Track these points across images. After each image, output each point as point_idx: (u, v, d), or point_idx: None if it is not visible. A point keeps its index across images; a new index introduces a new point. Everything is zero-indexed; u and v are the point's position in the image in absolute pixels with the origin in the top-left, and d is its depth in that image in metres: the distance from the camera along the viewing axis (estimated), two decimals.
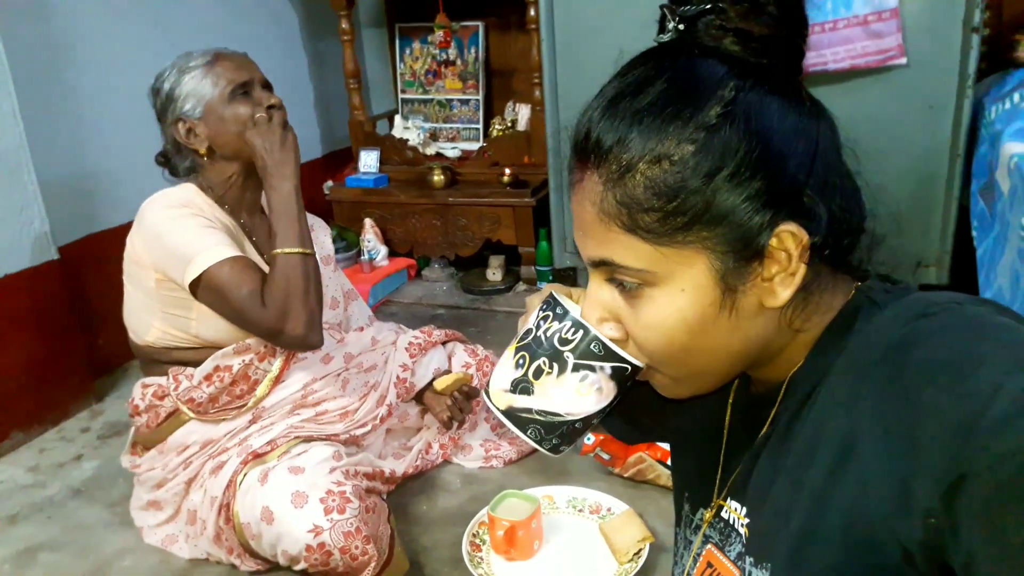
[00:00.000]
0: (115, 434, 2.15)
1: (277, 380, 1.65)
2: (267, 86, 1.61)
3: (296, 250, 1.49)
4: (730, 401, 0.75)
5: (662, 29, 0.64)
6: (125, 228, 2.44)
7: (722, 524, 0.73)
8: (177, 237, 1.49)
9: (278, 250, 1.48)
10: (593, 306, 0.64)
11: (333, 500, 1.42)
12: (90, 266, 2.36)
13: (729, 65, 0.59)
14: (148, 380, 1.64)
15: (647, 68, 0.61)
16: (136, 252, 1.54)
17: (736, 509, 0.71)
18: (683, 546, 0.79)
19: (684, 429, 0.82)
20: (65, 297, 2.22)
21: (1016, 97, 2.03)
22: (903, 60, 2.15)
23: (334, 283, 1.84)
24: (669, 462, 1.74)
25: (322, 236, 1.83)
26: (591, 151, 0.60)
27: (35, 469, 2.02)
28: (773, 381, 0.67)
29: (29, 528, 1.78)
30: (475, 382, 1.91)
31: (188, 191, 1.59)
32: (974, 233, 2.06)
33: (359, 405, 1.74)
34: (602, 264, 0.61)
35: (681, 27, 0.61)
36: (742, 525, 0.69)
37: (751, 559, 0.65)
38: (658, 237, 0.58)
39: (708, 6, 0.59)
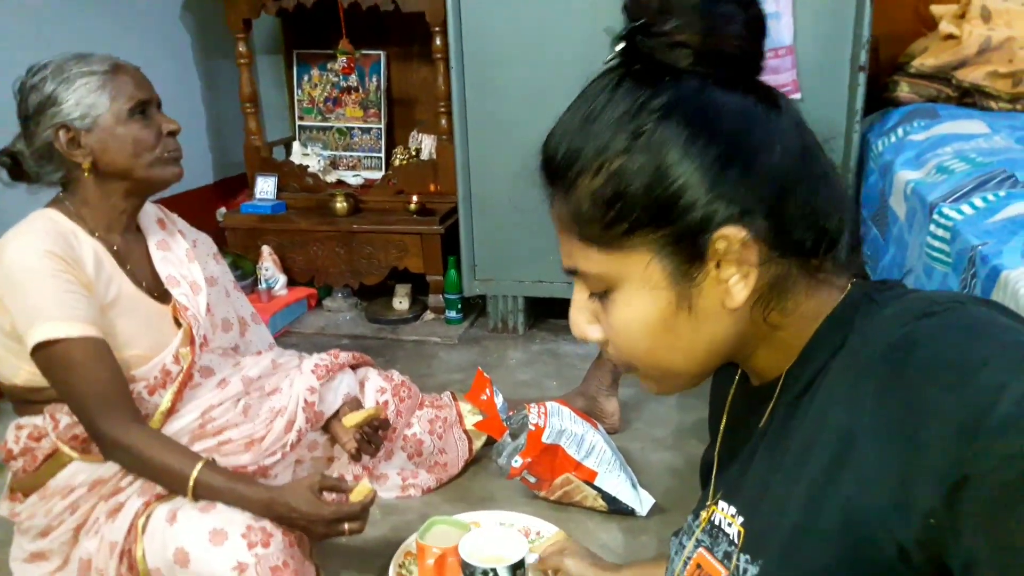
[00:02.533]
0: None
1: (170, 412, 1.53)
2: (160, 106, 1.51)
3: (191, 480, 1.36)
4: (728, 399, 0.75)
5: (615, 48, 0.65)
6: None
7: (711, 527, 0.72)
8: (33, 293, 1.34)
9: (193, 474, 1.36)
10: (580, 311, 0.68)
11: (255, 535, 1.32)
12: None
13: (671, 75, 0.61)
14: (22, 421, 1.48)
15: (597, 85, 0.63)
16: None
17: (724, 509, 0.70)
18: (675, 551, 0.78)
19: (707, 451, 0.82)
20: None
21: (901, 131, 2.19)
22: (798, 95, 2.28)
23: (226, 305, 1.71)
24: (595, 483, 1.74)
25: (204, 253, 1.70)
26: (550, 170, 0.65)
27: None
28: (769, 374, 0.68)
29: None
30: (390, 409, 1.84)
31: (54, 219, 1.43)
32: (865, 259, 2.18)
33: (265, 432, 1.62)
34: (572, 272, 0.67)
35: (628, 46, 0.63)
36: (729, 525, 0.69)
37: (746, 556, 0.64)
38: (607, 244, 0.62)
39: (654, 27, 0.61)
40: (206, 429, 1.55)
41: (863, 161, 2.36)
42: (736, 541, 0.67)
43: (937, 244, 1.45)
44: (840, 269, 0.65)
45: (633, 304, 0.63)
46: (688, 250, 0.60)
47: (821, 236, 0.62)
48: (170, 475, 1.38)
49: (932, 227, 1.48)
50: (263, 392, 1.68)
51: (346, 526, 1.38)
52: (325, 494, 1.40)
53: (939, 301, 0.58)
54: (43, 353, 1.34)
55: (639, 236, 0.60)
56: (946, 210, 1.46)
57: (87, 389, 1.35)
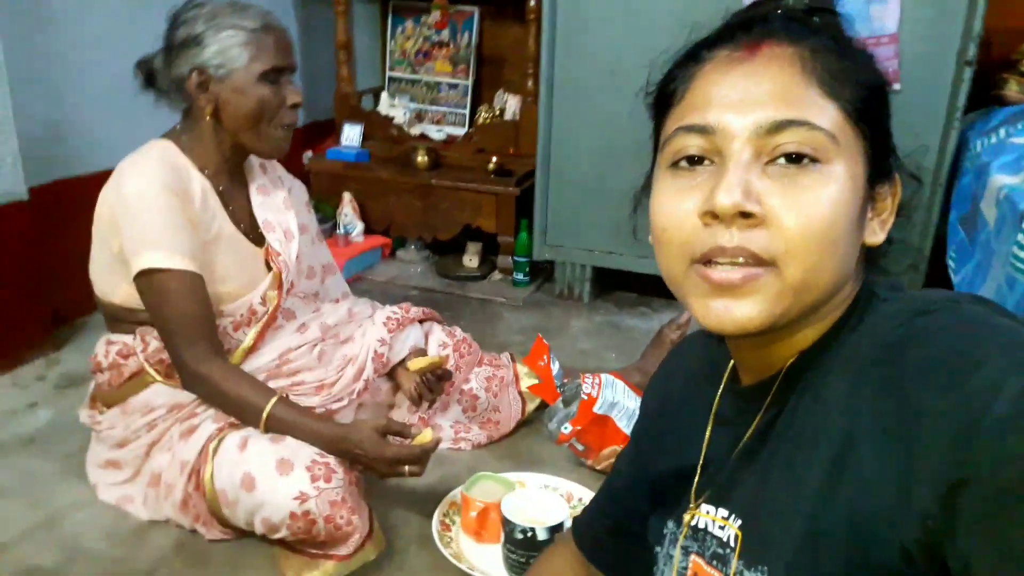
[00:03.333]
0: (71, 385, 2.07)
1: (251, 350, 1.61)
2: (293, 71, 1.55)
3: (264, 413, 1.43)
4: (716, 402, 0.74)
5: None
6: (98, 176, 2.37)
7: (695, 531, 0.71)
8: (144, 221, 1.42)
9: (267, 408, 1.43)
10: (735, 183, 0.58)
11: (319, 469, 1.38)
12: (59, 211, 2.27)
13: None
14: (113, 337, 1.58)
15: None
16: (105, 212, 1.48)
17: (710, 513, 0.69)
18: (664, 562, 0.76)
19: (664, 456, 0.80)
20: (30, 240, 2.13)
21: (1003, 132, 2.09)
22: (897, 86, 2.20)
23: (311, 253, 1.79)
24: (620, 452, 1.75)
25: (298, 201, 1.77)
26: (781, 29, 0.62)
27: None
28: (766, 371, 0.67)
29: None
30: (450, 363, 1.89)
31: (170, 152, 1.51)
32: (950, 262, 2.11)
33: (336, 378, 1.70)
34: (785, 126, 0.58)
35: None
36: (721, 528, 0.67)
37: (742, 562, 0.63)
38: (851, 111, 0.60)
39: None
40: (282, 370, 1.63)
41: (959, 160, 2.26)
42: (732, 545, 0.65)
43: (1022, 254, 1.39)
44: (867, 272, 0.67)
45: (841, 185, 0.58)
46: (881, 164, 0.63)
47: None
48: (245, 407, 1.45)
49: (1020, 236, 1.42)
50: (337, 340, 1.75)
51: (406, 468, 1.43)
52: (390, 437, 1.46)
53: (935, 300, 0.58)
54: (144, 279, 1.43)
55: (865, 125, 0.61)
56: None
57: (177, 319, 1.43)
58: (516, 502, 1.46)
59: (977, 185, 1.95)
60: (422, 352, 1.86)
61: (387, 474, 1.45)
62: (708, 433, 0.73)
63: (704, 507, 0.70)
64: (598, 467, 1.79)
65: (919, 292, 0.62)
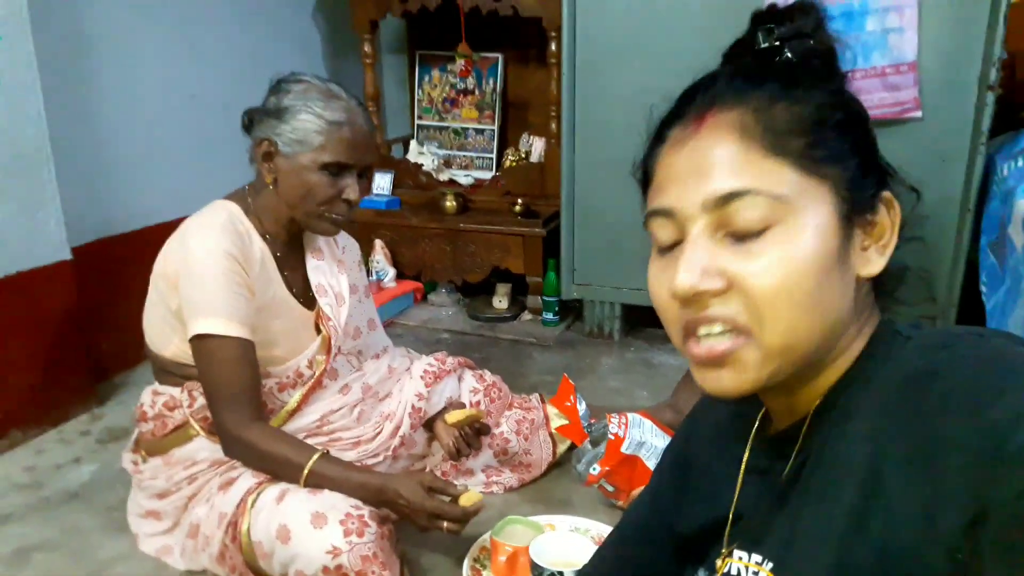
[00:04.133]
0: (114, 439, 2.13)
1: (294, 411, 1.65)
2: (364, 172, 1.58)
3: (306, 470, 1.46)
4: (747, 450, 0.74)
5: (751, 45, 0.68)
6: (139, 233, 2.51)
7: None
8: (204, 286, 1.47)
9: (309, 465, 1.46)
10: (691, 264, 0.60)
11: (352, 523, 1.40)
12: (101, 269, 2.36)
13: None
14: (160, 388, 1.62)
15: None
16: (168, 270, 1.52)
17: (742, 559, 0.69)
18: None
19: (692, 507, 0.80)
20: (74, 298, 2.22)
21: None
22: (918, 113, 2.19)
23: (359, 312, 1.81)
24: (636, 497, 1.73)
25: (351, 260, 1.81)
26: (723, 92, 0.63)
27: (32, 470, 2.00)
28: (794, 414, 0.67)
29: (24, 528, 1.75)
30: (481, 407, 1.90)
31: (235, 216, 1.55)
32: (983, 288, 2.07)
33: (373, 435, 1.73)
34: (731, 198, 0.59)
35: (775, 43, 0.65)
36: (755, 574, 0.67)
37: None
38: (803, 162, 0.60)
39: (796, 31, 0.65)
40: (322, 429, 1.67)
41: (987, 185, 2.23)
42: None
43: None
44: (882, 302, 0.66)
45: (803, 240, 0.58)
46: (859, 198, 0.61)
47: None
48: (285, 465, 1.48)
49: None
50: (376, 398, 1.79)
51: (445, 524, 1.45)
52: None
53: (957, 333, 0.58)
54: (198, 343, 1.47)
55: (828, 166, 0.60)
56: None
57: (224, 385, 1.47)
58: (545, 545, 1.47)
59: (1004, 209, 1.92)
60: (459, 405, 1.88)
61: (426, 527, 1.46)
62: (739, 483, 0.73)
63: (737, 553, 0.70)
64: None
65: (942, 328, 0.62)
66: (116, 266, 2.43)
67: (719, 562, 0.72)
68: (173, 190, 2.63)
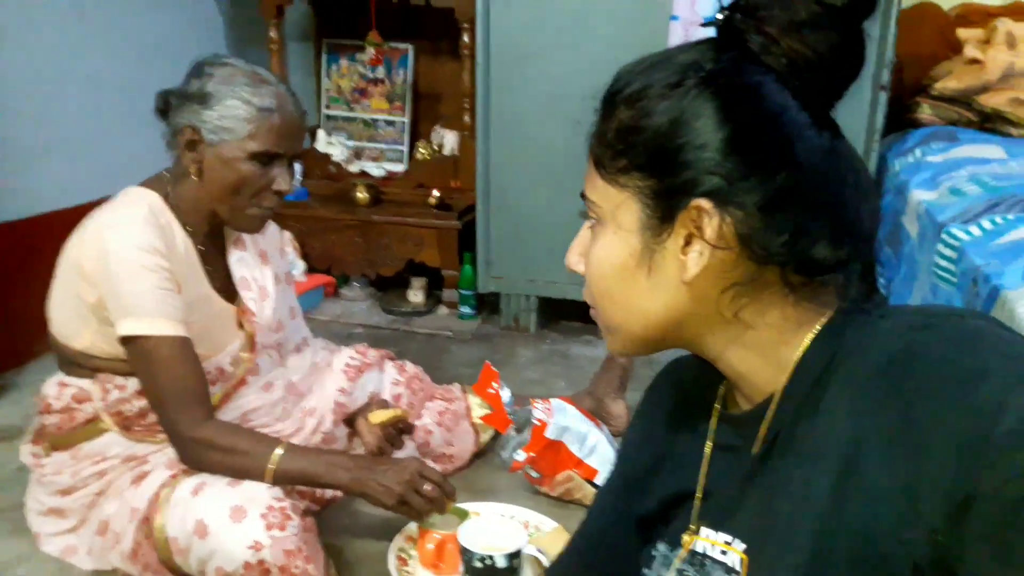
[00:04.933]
0: (6, 438, 1.98)
1: (215, 408, 1.57)
2: (294, 160, 1.51)
3: (272, 466, 1.40)
4: (712, 427, 0.73)
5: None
6: (30, 221, 2.35)
7: (694, 556, 0.70)
8: (131, 284, 1.37)
9: (273, 460, 1.41)
10: (578, 240, 0.72)
11: (274, 516, 1.35)
12: None
13: (744, 54, 0.62)
14: (68, 380, 1.51)
15: (690, 42, 0.66)
16: (84, 264, 1.40)
17: (711, 537, 0.69)
18: None
19: (657, 485, 0.80)
20: None
21: (919, 152, 2.21)
22: None
23: (281, 301, 1.72)
24: (596, 481, 1.77)
25: (272, 244, 1.72)
26: (604, 96, 0.66)
27: None
28: (758, 394, 0.67)
29: None
30: (403, 400, 1.88)
31: (156, 207, 1.45)
32: (879, 279, 2.20)
33: (293, 431, 1.68)
34: (582, 198, 0.69)
35: (728, 18, 0.64)
36: (723, 553, 0.67)
37: None
38: (608, 173, 0.65)
39: (757, 8, 0.62)
40: (242, 426, 1.60)
41: (880, 181, 2.37)
42: (737, 569, 0.65)
43: (944, 263, 1.47)
44: (829, 293, 0.63)
45: (606, 241, 0.66)
46: (664, 207, 0.62)
47: (806, 258, 0.61)
48: (250, 459, 1.41)
49: (940, 247, 1.50)
50: (298, 394, 1.73)
51: (427, 487, 1.45)
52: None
53: (937, 313, 0.58)
54: (132, 345, 1.38)
55: (632, 176, 0.63)
56: (955, 231, 1.48)
57: (169, 386, 1.39)
58: (473, 531, 1.46)
59: (898, 202, 2.05)
60: (383, 403, 1.84)
61: (401, 496, 1.43)
62: (707, 459, 0.73)
63: (704, 531, 0.69)
64: (553, 493, 1.80)
65: (917, 306, 0.63)
66: (7, 255, 2.28)
67: (685, 537, 0.72)
68: (68, 177, 2.49)
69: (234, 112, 1.41)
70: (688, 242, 0.62)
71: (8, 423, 2.07)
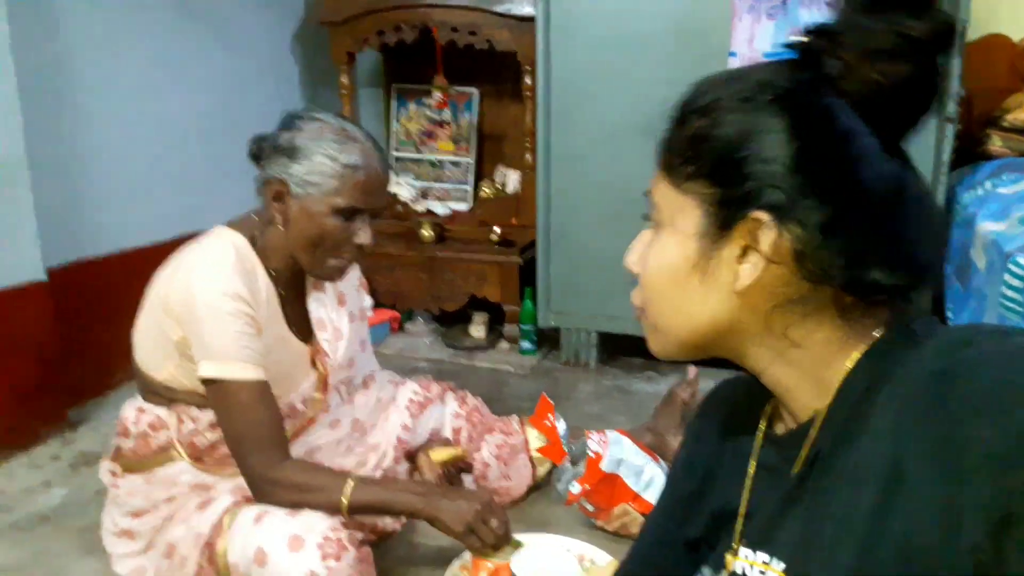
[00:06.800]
0: (86, 464, 2.09)
1: None
2: (377, 214, 1.54)
3: (346, 499, 1.43)
4: (757, 447, 0.74)
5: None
6: (115, 257, 2.49)
7: None
8: (215, 328, 1.42)
9: (346, 493, 1.43)
10: (634, 246, 0.74)
11: (330, 547, 1.37)
12: (77, 292, 2.34)
13: (822, 77, 0.63)
14: (146, 406, 1.58)
15: (757, 65, 0.68)
16: (171, 304, 1.46)
17: (749, 558, 0.69)
18: None
19: (703, 506, 0.81)
20: (48, 321, 2.19)
21: (988, 184, 2.15)
22: None
23: (355, 339, 1.75)
24: (648, 513, 1.74)
25: (349, 283, 1.75)
26: (679, 105, 0.68)
27: (1, 494, 1.95)
28: (802, 413, 0.67)
29: None
30: (463, 434, 1.90)
31: (242, 251, 1.50)
32: (949, 314, 2.14)
33: (355, 466, 1.72)
34: (646, 197, 0.72)
35: (802, 46, 0.65)
36: (762, 573, 0.67)
37: None
38: (674, 178, 0.67)
39: (839, 33, 0.63)
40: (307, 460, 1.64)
41: (948, 215, 2.32)
42: None
43: (1011, 294, 1.43)
44: (879, 316, 0.63)
45: (664, 243, 0.68)
46: (724, 215, 0.63)
47: (861, 281, 0.61)
48: (325, 494, 1.44)
49: (1007, 276, 1.46)
50: (363, 430, 1.77)
51: (493, 523, 1.46)
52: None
53: (982, 331, 0.58)
54: (214, 387, 1.43)
55: (697, 183, 0.65)
56: (1021, 259, 1.44)
57: (248, 429, 1.43)
58: (526, 562, 1.46)
59: (966, 235, 2.00)
60: (445, 441, 1.86)
61: (470, 524, 1.44)
62: (750, 480, 0.73)
63: (743, 551, 0.70)
64: (609, 528, 1.79)
65: (962, 325, 0.62)
66: (91, 289, 2.42)
67: (728, 557, 0.72)
68: (149, 215, 2.63)
69: (321, 168, 1.45)
70: (744, 253, 0.63)
71: (89, 449, 2.18)
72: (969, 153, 2.53)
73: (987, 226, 1.83)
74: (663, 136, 0.69)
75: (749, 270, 0.63)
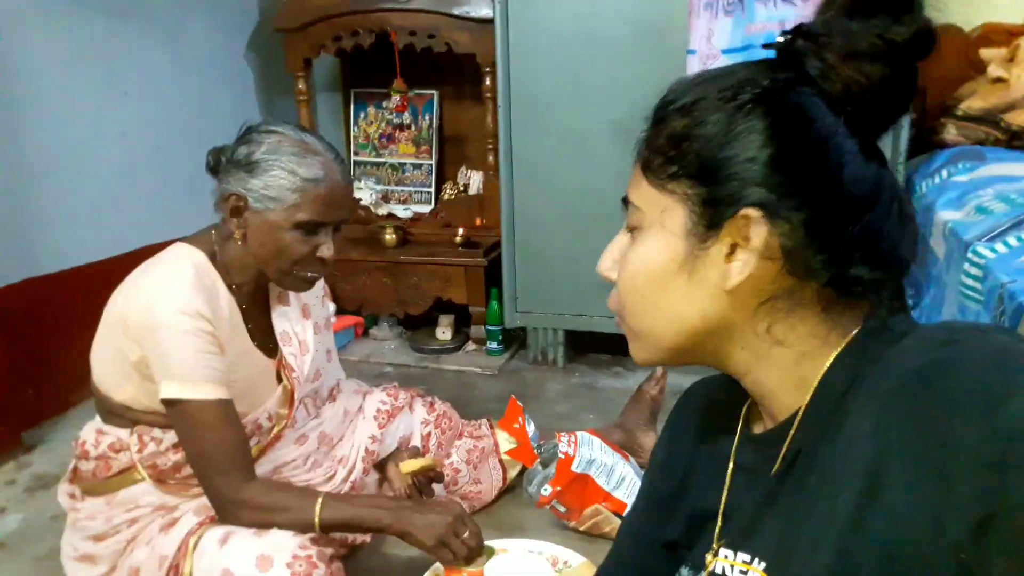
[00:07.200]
0: (43, 487, 2.03)
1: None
2: (339, 227, 1.50)
3: (316, 519, 1.40)
4: (734, 448, 0.73)
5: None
6: (67, 274, 2.42)
7: None
8: (175, 348, 1.38)
9: (315, 512, 1.40)
10: (613, 245, 0.73)
11: (300, 565, 1.34)
12: (26, 311, 2.27)
13: (801, 76, 0.63)
14: (106, 428, 1.52)
15: (738, 64, 0.67)
16: (129, 323, 1.41)
17: (729, 558, 0.68)
18: None
19: (682, 506, 0.80)
20: None
21: (944, 173, 2.18)
22: None
23: (321, 350, 1.72)
24: (624, 514, 1.74)
25: (314, 296, 1.71)
26: (657, 106, 0.68)
27: None
28: (781, 413, 0.67)
29: None
30: (432, 441, 1.88)
31: (201, 268, 1.46)
32: (909, 301, 2.16)
33: (323, 480, 1.69)
34: (624, 203, 0.70)
35: (791, 39, 0.65)
36: (743, 573, 0.66)
37: None
38: (656, 179, 0.66)
39: (820, 35, 0.62)
40: (272, 478, 1.61)
41: None
42: None
43: (970, 282, 1.44)
44: (857, 313, 0.64)
45: (647, 245, 0.67)
46: (711, 214, 0.63)
47: (844, 277, 0.62)
48: (292, 519, 1.40)
49: (966, 265, 1.47)
50: (330, 444, 1.74)
51: (467, 533, 1.43)
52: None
53: (961, 329, 0.57)
54: (174, 408, 1.39)
55: (681, 183, 0.64)
56: (980, 248, 1.46)
57: (210, 451, 1.39)
58: (499, 568, 1.44)
59: (924, 224, 2.02)
60: (415, 451, 1.83)
61: (441, 537, 1.42)
62: (728, 480, 0.73)
63: (723, 552, 0.69)
64: (581, 528, 1.77)
65: (941, 323, 0.62)
66: (40, 308, 2.35)
67: (708, 558, 0.71)
68: (101, 231, 2.57)
69: (279, 182, 1.41)
70: (732, 251, 0.63)
71: (44, 471, 2.12)
72: (925, 142, 2.56)
73: (945, 215, 1.85)
74: (642, 136, 0.68)
75: (739, 267, 0.63)
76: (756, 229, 0.61)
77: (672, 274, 0.65)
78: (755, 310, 0.64)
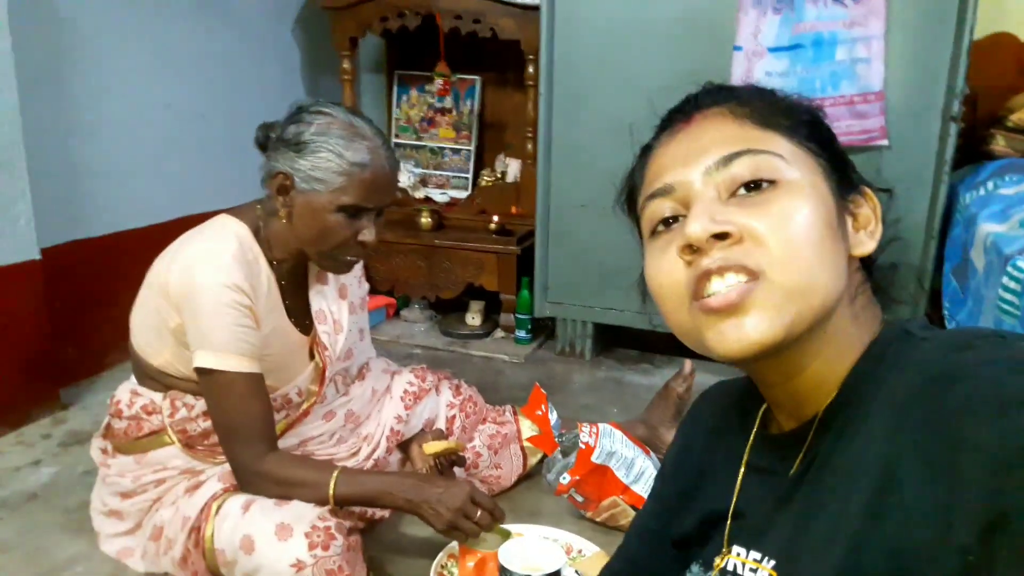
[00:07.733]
0: (77, 443, 2.09)
1: (278, 436, 1.60)
2: (382, 211, 1.52)
3: (330, 495, 1.44)
4: (747, 448, 0.74)
5: None
6: (110, 238, 2.48)
7: (725, 574, 0.70)
8: (213, 319, 1.41)
9: (330, 488, 1.44)
10: (700, 213, 0.62)
11: (318, 536, 1.37)
12: (71, 272, 2.33)
13: None
14: (141, 389, 1.57)
15: None
16: (170, 290, 1.45)
17: (742, 555, 0.69)
18: None
19: (692, 505, 0.81)
20: (40, 300, 2.18)
21: (991, 185, 2.14)
22: (885, 141, 2.25)
23: (355, 326, 1.74)
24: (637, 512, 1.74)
25: (352, 277, 1.74)
26: (704, 97, 0.70)
27: None
28: (801, 414, 0.67)
29: None
30: (456, 424, 1.89)
31: (245, 241, 1.49)
32: (945, 312, 2.13)
33: (348, 456, 1.72)
34: (733, 158, 0.63)
35: None
36: (754, 571, 0.67)
37: None
38: (792, 136, 0.65)
39: None
40: (298, 450, 1.64)
41: (950, 213, 2.30)
42: None
43: (1008, 296, 1.42)
44: (883, 303, 0.68)
45: (807, 197, 0.62)
46: (845, 179, 0.67)
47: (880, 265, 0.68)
48: (309, 489, 1.44)
49: (1005, 279, 1.45)
50: (356, 421, 1.77)
51: (479, 514, 1.46)
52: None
53: (979, 335, 0.57)
54: (206, 377, 1.43)
55: (814, 143, 0.66)
56: (1021, 263, 1.43)
57: (237, 421, 1.44)
58: (514, 551, 1.46)
59: (967, 236, 1.98)
60: (439, 433, 1.85)
61: (451, 522, 1.45)
62: (739, 480, 0.73)
63: (736, 550, 0.70)
64: (598, 519, 1.78)
65: (959, 328, 0.63)
66: (84, 270, 2.41)
67: (717, 559, 0.72)
68: (146, 197, 2.62)
69: (327, 164, 1.42)
70: (855, 218, 0.67)
71: (79, 428, 2.17)
72: (973, 152, 2.52)
73: (987, 227, 1.81)
74: (742, 108, 0.67)
75: (870, 236, 0.66)
76: (876, 203, 0.67)
77: (834, 228, 0.63)
78: (855, 296, 0.67)
